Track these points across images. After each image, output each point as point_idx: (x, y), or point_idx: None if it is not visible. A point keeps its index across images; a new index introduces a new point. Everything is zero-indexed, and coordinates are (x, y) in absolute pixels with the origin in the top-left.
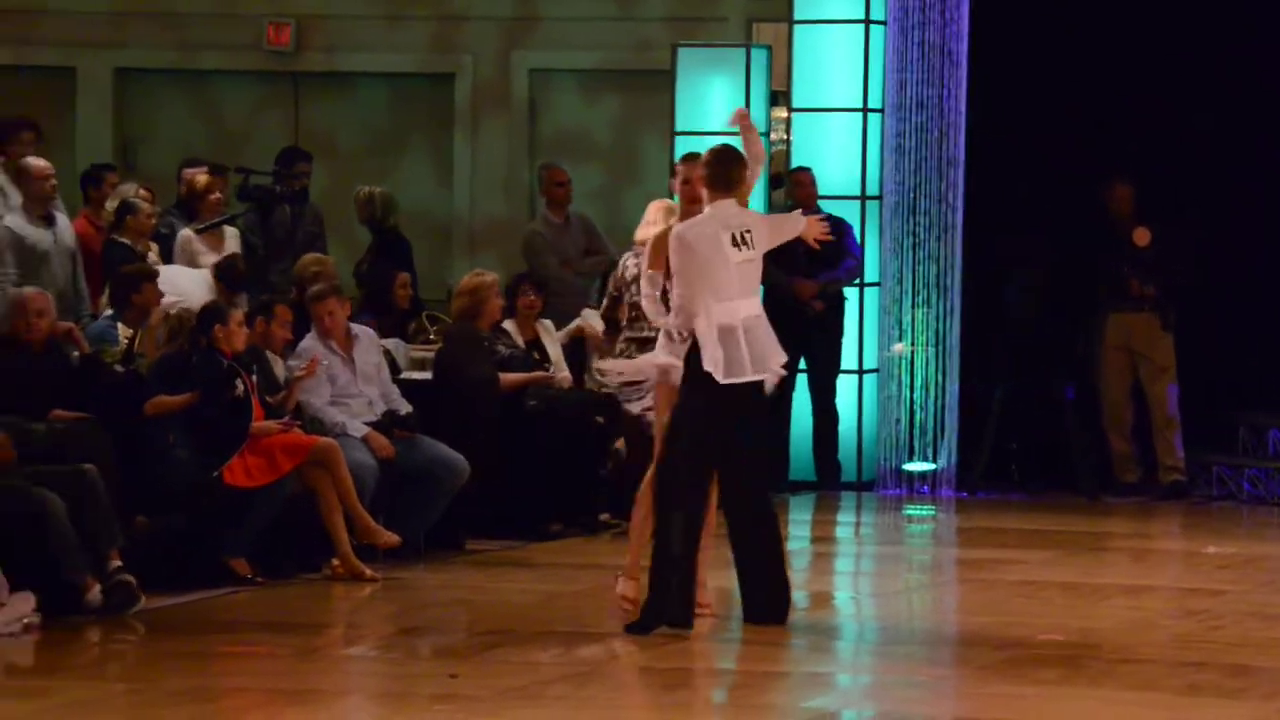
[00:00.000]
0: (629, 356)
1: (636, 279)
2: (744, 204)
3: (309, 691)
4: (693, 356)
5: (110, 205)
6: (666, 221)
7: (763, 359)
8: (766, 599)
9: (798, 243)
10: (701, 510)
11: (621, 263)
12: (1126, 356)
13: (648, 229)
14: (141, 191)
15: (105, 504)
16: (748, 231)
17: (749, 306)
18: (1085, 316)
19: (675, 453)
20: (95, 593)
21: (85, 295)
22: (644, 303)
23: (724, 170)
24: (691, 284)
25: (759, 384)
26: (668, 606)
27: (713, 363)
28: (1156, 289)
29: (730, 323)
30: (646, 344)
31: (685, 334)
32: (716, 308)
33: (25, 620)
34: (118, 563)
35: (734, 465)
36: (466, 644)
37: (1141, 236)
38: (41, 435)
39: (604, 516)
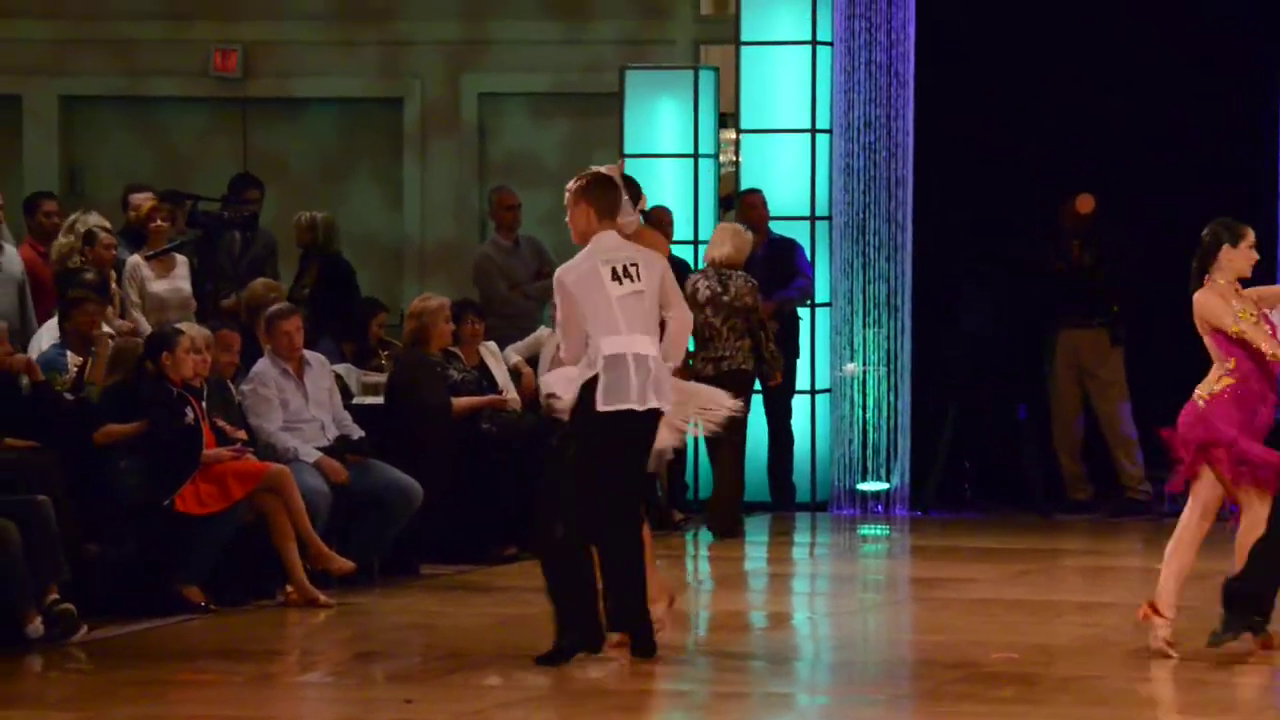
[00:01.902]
0: (705, 377)
1: (710, 300)
2: (630, 235)
3: (264, 719)
4: (584, 390)
5: (67, 237)
6: (733, 243)
7: (647, 392)
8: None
9: (750, 264)
10: (608, 538)
11: (691, 284)
12: (1075, 374)
13: (716, 249)
14: (101, 220)
15: (54, 535)
16: (633, 264)
17: (640, 344)
18: (1041, 334)
19: (579, 488)
20: (36, 623)
21: (33, 323)
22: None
23: (602, 198)
24: (575, 327)
25: (652, 417)
26: (580, 634)
27: (594, 389)
28: (1102, 276)
29: (619, 352)
30: (721, 361)
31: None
32: (604, 341)
33: None
34: (55, 595)
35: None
36: (422, 669)
37: (1085, 204)
38: None
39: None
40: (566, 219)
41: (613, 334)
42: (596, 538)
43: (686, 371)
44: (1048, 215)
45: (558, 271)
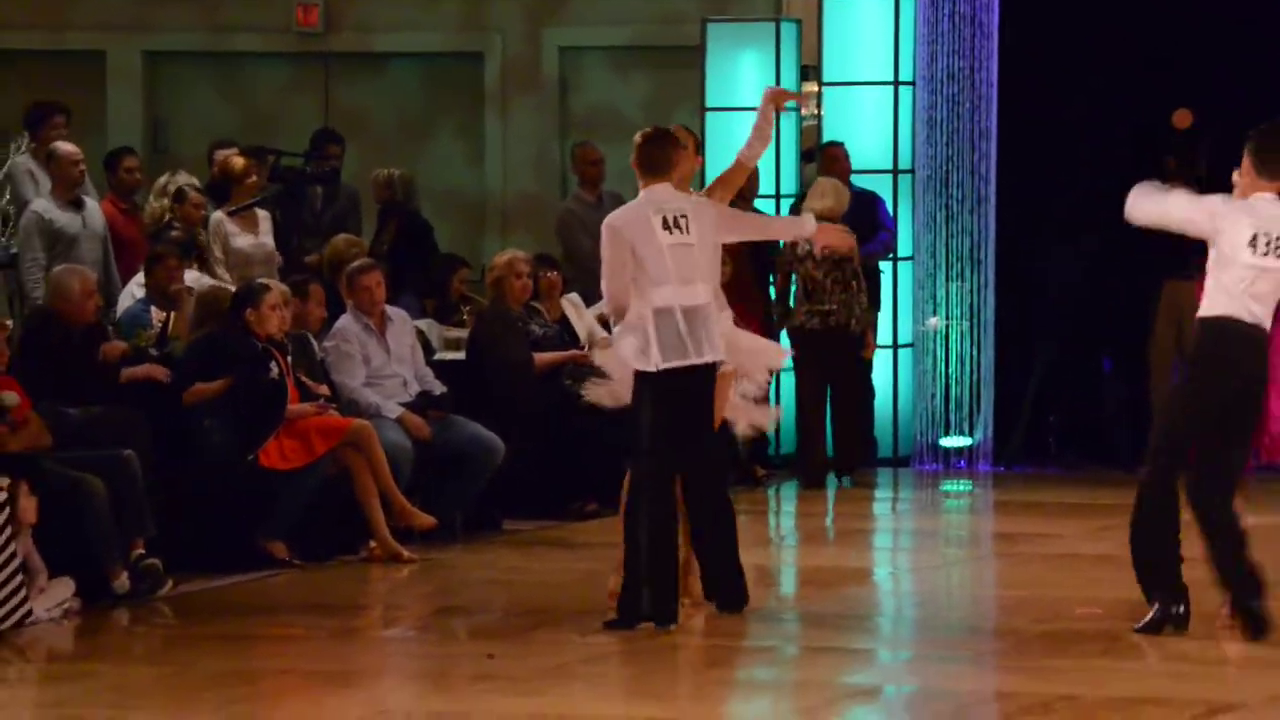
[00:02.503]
0: (813, 330)
1: (811, 253)
2: (684, 188)
3: (347, 673)
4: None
5: (160, 200)
6: (835, 197)
7: (703, 345)
8: (724, 590)
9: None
10: (666, 505)
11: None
12: (1175, 326)
13: (818, 201)
14: (190, 179)
15: (140, 491)
16: (683, 216)
17: (689, 295)
18: (1144, 285)
19: (636, 451)
20: (123, 579)
21: (116, 280)
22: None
23: (653, 153)
24: (619, 273)
25: (708, 370)
26: (646, 603)
27: (641, 351)
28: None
29: (666, 305)
30: (829, 315)
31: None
32: (651, 292)
33: (65, 605)
34: (141, 550)
35: (691, 457)
36: (504, 624)
37: (1182, 118)
38: (77, 420)
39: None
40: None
41: (663, 284)
42: (684, 501)
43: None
44: (1148, 131)
45: (608, 218)
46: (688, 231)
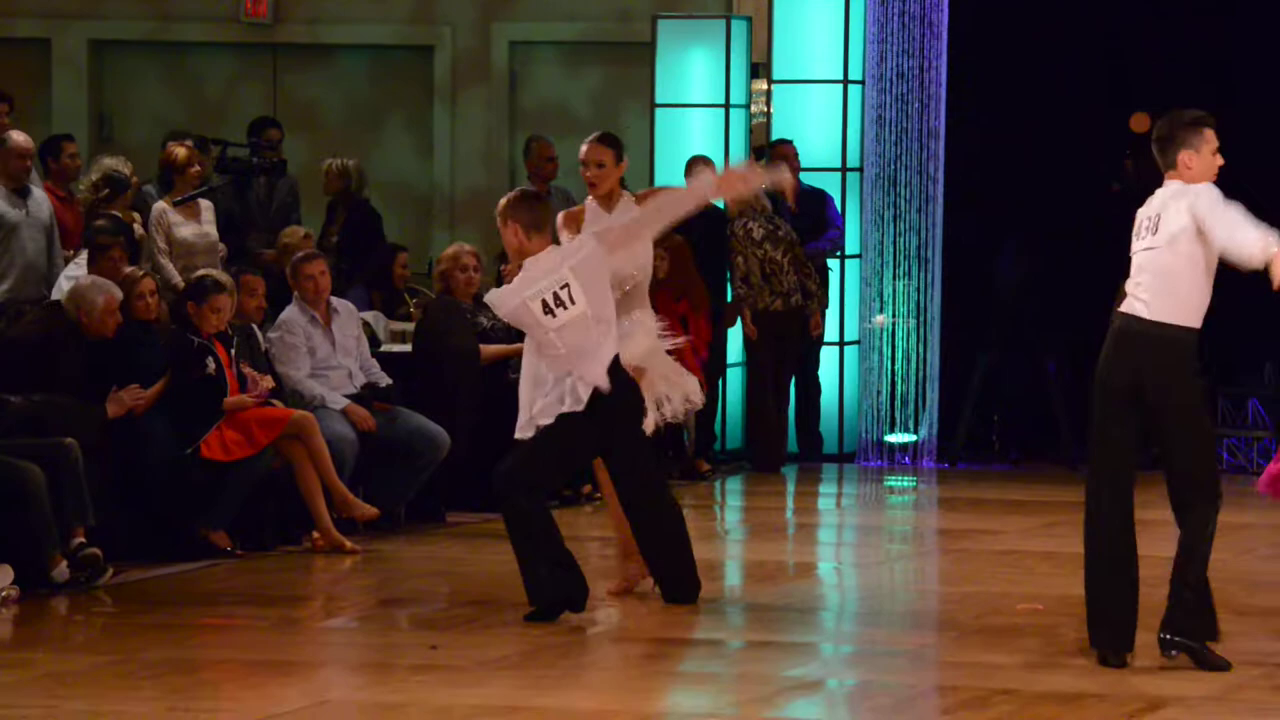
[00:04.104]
0: (775, 312)
1: (767, 235)
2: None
3: (289, 663)
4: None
5: (92, 177)
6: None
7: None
8: (671, 582)
9: (781, 215)
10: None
11: (742, 226)
12: None
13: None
14: (116, 163)
15: (80, 479)
16: (563, 286)
17: (586, 364)
18: (1091, 283)
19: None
20: (62, 568)
21: (59, 266)
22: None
23: (525, 215)
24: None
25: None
26: (557, 587)
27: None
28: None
29: (562, 375)
30: (789, 296)
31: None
32: (552, 363)
33: (4, 593)
34: (81, 539)
35: (621, 460)
36: (447, 615)
37: (1139, 122)
38: (18, 407)
39: (586, 489)
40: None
41: (559, 361)
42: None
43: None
44: (1097, 132)
45: (498, 299)
46: (572, 302)
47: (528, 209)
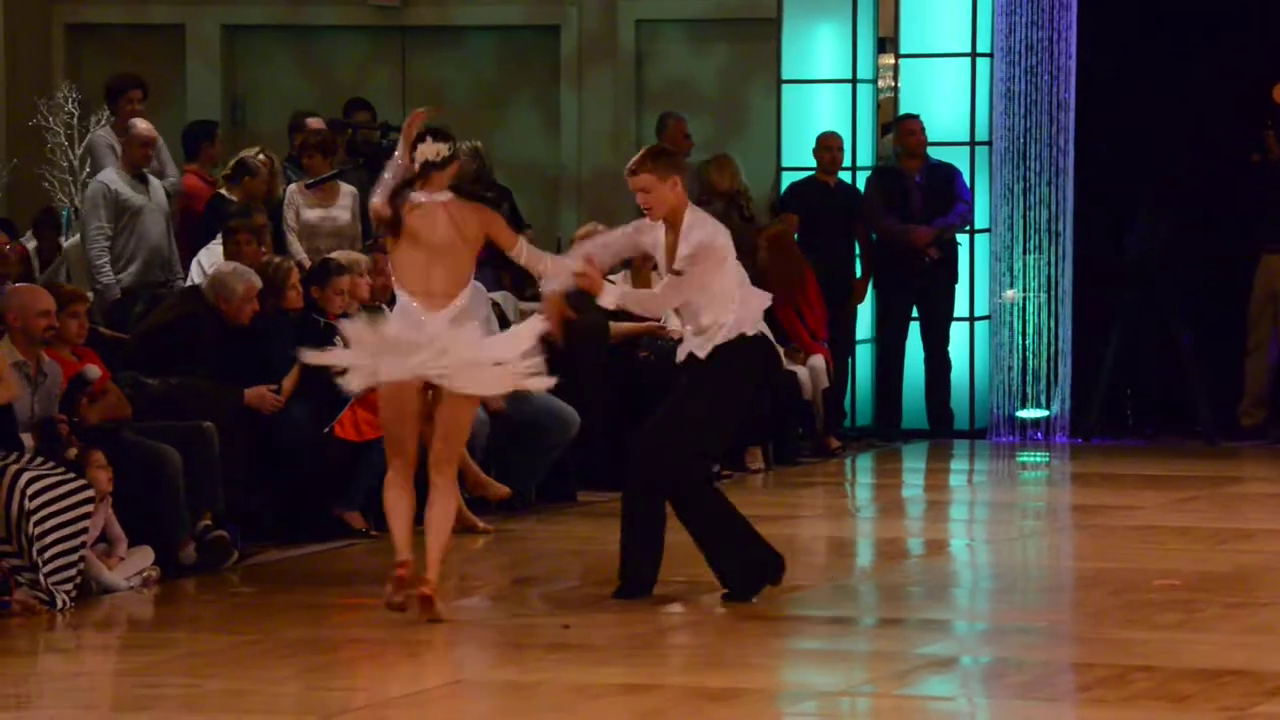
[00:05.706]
0: None
1: None
2: (677, 218)
3: (423, 643)
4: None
5: (229, 163)
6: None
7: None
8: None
9: (911, 191)
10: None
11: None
12: (1270, 299)
13: (714, 173)
14: (261, 156)
15: (214, 463)
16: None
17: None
18: (1222, 257)
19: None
20: (190, 550)
21: (176, 255)
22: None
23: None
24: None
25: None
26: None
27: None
28: None
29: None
30: None
31: None
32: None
33: (145, 574)
34: (208, 522)
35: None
36: (579, 594)
37: None
38: (157, 390)
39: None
40: (645, 200)
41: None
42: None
43: None
44: (1236, 103)
45: (719, 233)
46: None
47: (679, 164)
